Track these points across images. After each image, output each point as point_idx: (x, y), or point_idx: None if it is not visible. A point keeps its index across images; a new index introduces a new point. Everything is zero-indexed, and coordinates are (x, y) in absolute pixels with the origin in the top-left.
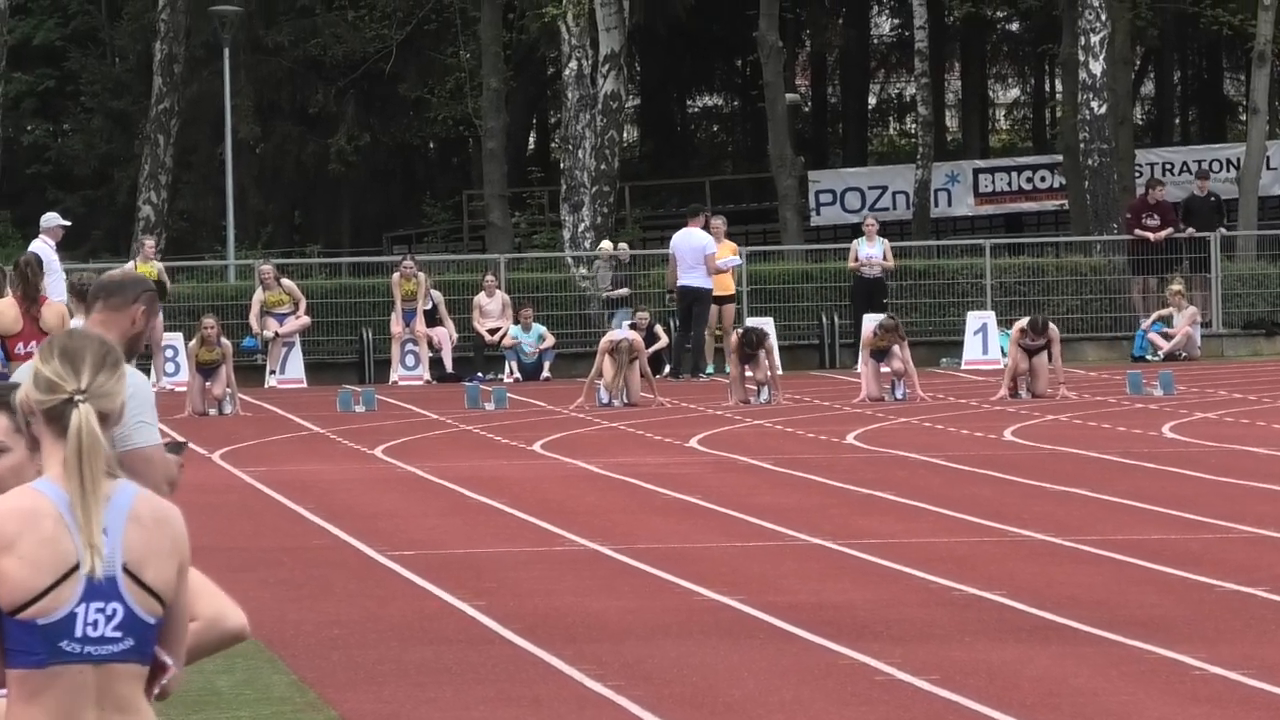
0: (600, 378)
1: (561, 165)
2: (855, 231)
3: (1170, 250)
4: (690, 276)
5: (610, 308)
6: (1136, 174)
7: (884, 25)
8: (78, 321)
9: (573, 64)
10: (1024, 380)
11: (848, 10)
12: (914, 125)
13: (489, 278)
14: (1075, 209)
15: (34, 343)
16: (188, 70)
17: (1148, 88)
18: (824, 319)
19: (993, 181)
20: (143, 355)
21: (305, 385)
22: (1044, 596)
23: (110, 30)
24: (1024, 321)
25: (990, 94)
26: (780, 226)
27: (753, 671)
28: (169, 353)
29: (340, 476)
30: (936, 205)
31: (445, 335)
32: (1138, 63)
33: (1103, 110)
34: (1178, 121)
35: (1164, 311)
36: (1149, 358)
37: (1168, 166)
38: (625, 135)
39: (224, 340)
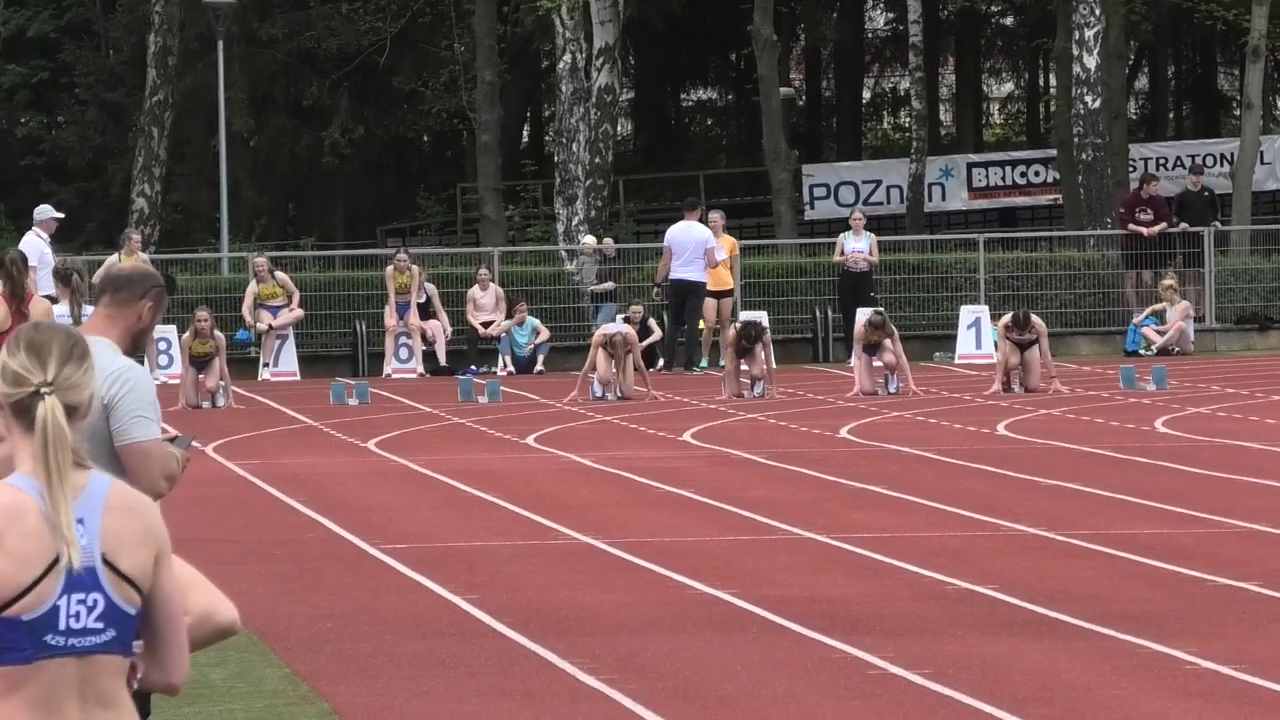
0: (594, 371)
1: (555, 158)
2: (849, 226)
3: (1163, 245)
4: (686, 270)
5: (595, 302)
6: (1130, 169)
7: (878, 19)
8: (62, 308)
9: (567, 57)
10: (1016, 375)
11: (842, 4)
12: (908, 119)
13: (482, 271)
14: (1069, 203)
15: None
16: (182, 63)
17: (1142, 82)
18: (817, 313)
19: (986, 176)
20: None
21: (298, 378)
22: (1036, 591)
23: (104, 22)
24: (1007, 316)
25: (984, 88)
26: (774, 220)
27: (746, 665)
28: (162, 345)
29: (333, 469)
30: (930, 199)
31: (439, 329)
32: (1132, 57)
33: (1097, 105)
34: (1171, 116)
35: (1157, 306)
36: (1142, 352)
37: (1161, 161)
38: (619, 129)
39: (217, 333)
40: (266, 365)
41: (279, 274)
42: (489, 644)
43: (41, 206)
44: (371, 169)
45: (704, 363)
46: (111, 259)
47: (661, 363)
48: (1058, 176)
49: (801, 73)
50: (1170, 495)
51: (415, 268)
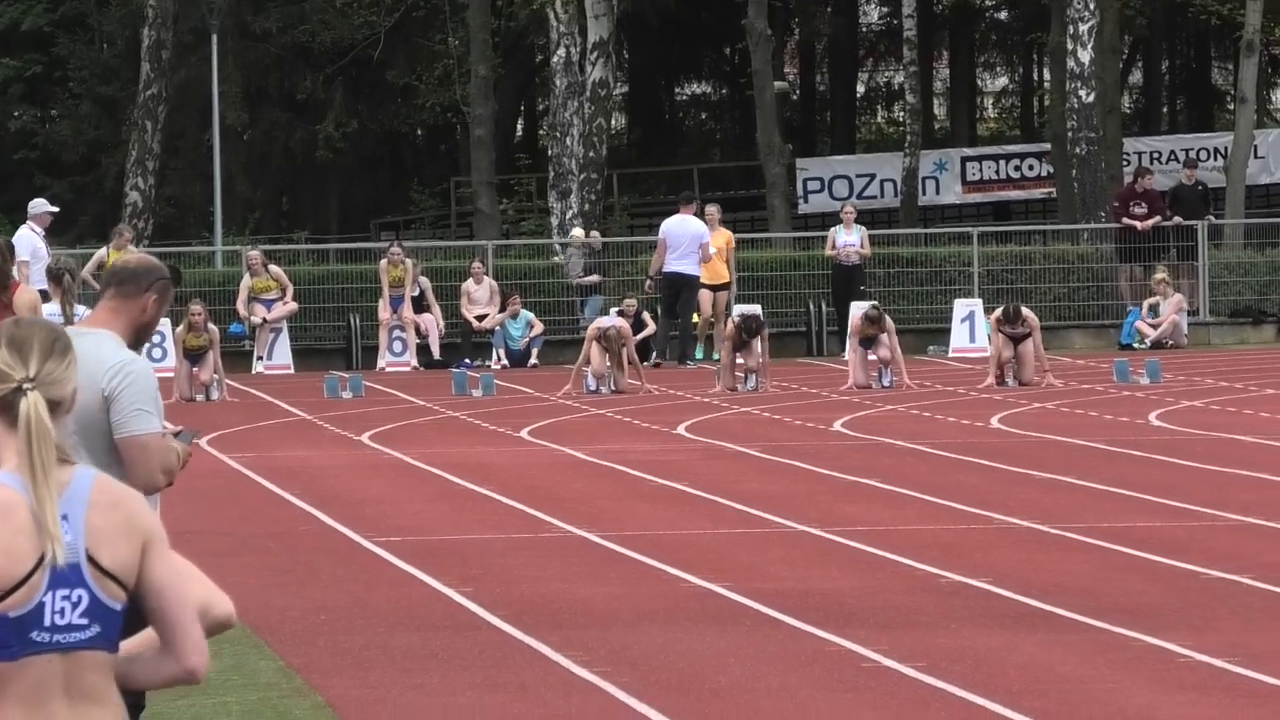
0: (588, 365)
1: (549, 152)
2: (841, 220)
3: (1157, 239)
4: (681, 264)
5: (582, 295)
6: (1124, 162)
7: (873, 13)
8: (52, 306)
9: (561, 51)
10: (1010, 368)
11: None
12: (902, 113)
13: (476, 264)
14: (1063, 197)
15: None
16: (176, 56)
17: (1136, 76)
18: (811, 306)
19: (980, 170)
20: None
21: (292, 371)
22: (1030, 584)
23: (98, 16)
24: (999, 310)
25: (978, 82)
26: (768, 214)
27: (739, 658)
28: (156, 338)
29: (327, 462)
30: (924, 193)
31: (433, 322)
32: (1126, 51)
33: (1091, 99)
34: (1165, 110)
35: (1151, 300)
36: (1136, 346)
37: (1155, 155)
38: (613, 123)
39: (211, 326)
40: (260, 358)
41: (273, 267)
42: (483, 637)
43: (35, 200)
44: (365, 163)
45: (698, 355)
46: (100, 253)
47: (655, 355)
48: (1052, 170)
49: (796, 67)
50: (1164, 488)
51: (409, 261)
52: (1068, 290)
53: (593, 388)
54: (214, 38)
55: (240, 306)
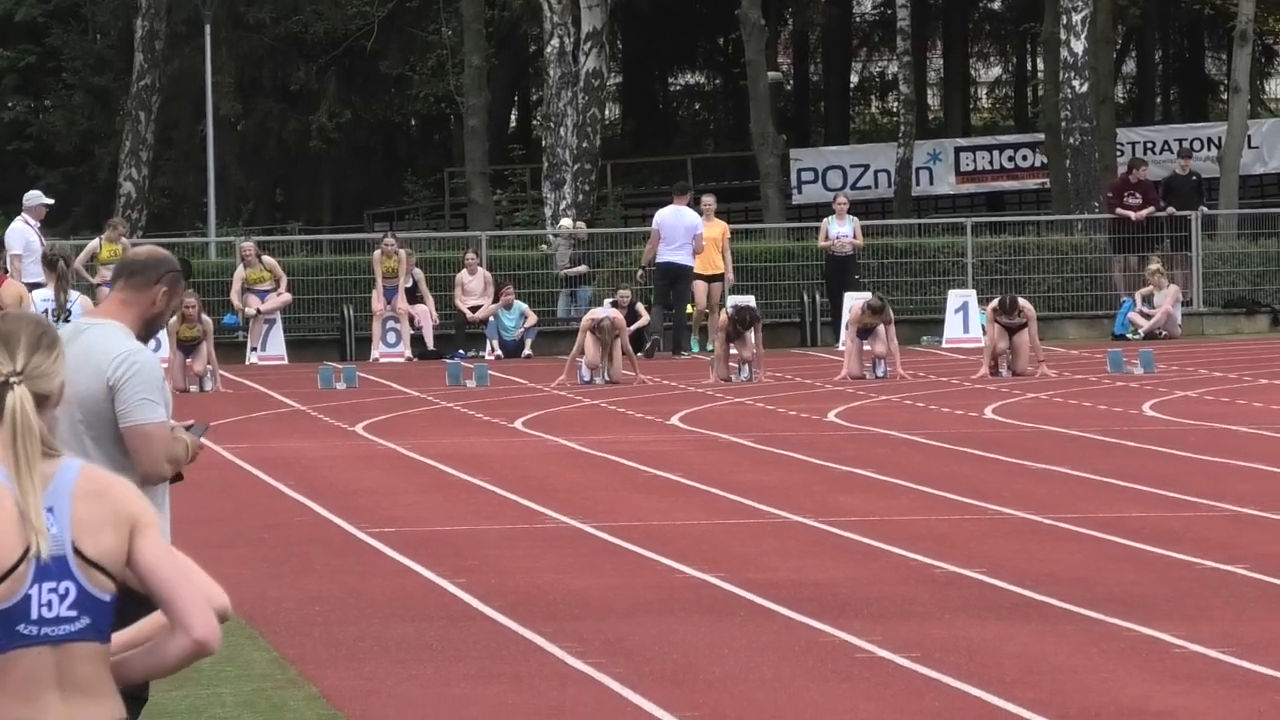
0: (582, 355)
1: (543, 143)
2: (834, 210)
3: (1151, 229)
4: (677, 254)
5: (569, 285)
6: (1118, 153)
7: (866, 3)
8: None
9: (554, 41)
10: (1004, 358)
11: None
12: (896, 103)
13: (470, 255)
14: (1056, 188)
15: None
16: (169, 47)
17: (1129, 66)
18: (805, 297)
19: (974, 160)
20: None
21: (286, 362)
22: (1024, 574)
23: (92, 6)
24: (996, 300)
25: (972, 72)
26: (762, 204)
27: (733, 649)
28: None
29: (321, 453)
30: (918, 184)
31: (426, 313)
32: (1119, 41)
33: (1084, 89)
34: (1159, 100)
35: (1146, 290)
36: (1130, 336)
37: (1149, 145)
38: (607, 113)
39: (205, 317)
40: (254, 349)
41: (266, 258)
42: (477, 627)
43: (31, 193)
44: (359, 153)
45: (694, 346)
46: (93, 244)
47: (648, 345)
48: (1045, 161)
49: (789, 57)
50: (1158, 479)
51: (403, 252)
52: (1061, 280)
53: (587, 378)
54: (207, 28)
55: (234, 297)
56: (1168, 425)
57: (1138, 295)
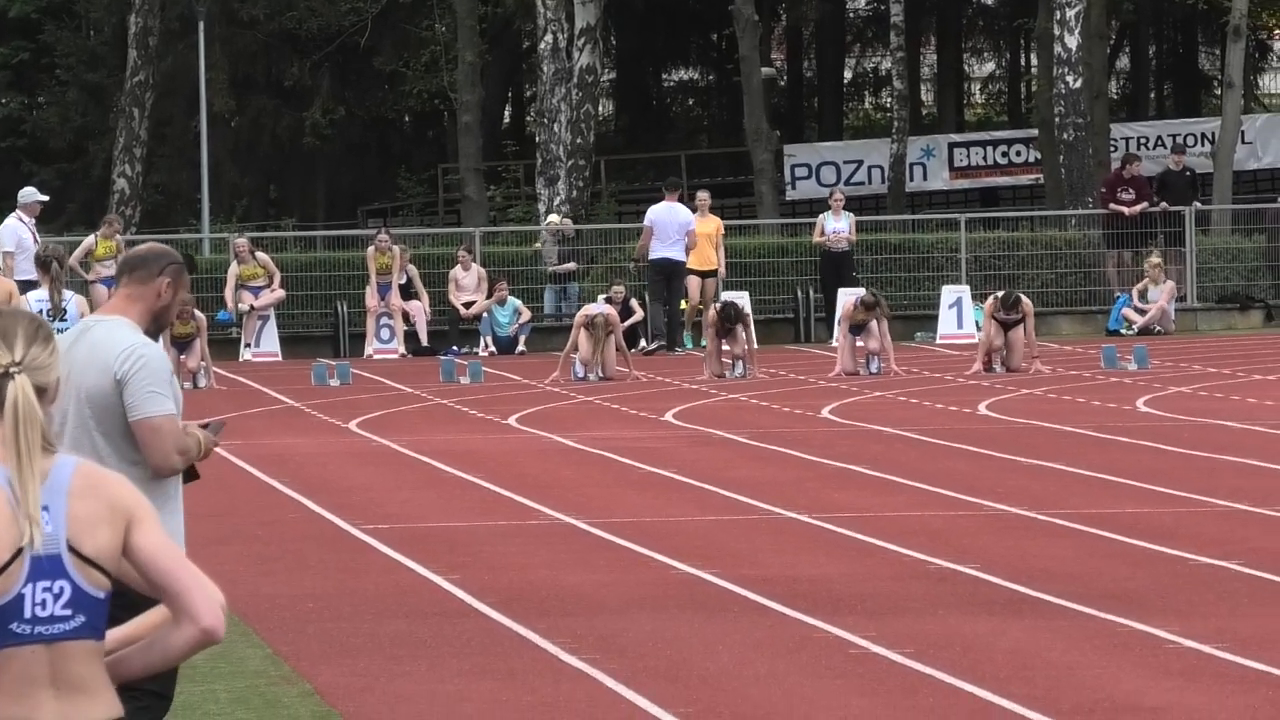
0: (575, 352)
1: (537, 139)
2: (829, 206)
3: (1145, 225)
4: (670, 250)
5: (556, 283)
6: (1111, 148)
7: None
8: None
9: (548, 37)
10: (998, 355)
11: None
12: (889, 99)
13: (462, 251)
14: (1050, 183)
15: None
16: (162, 43)
17: (1123, 62)
18: (799, 293)
19: (968, 156)
20: None
21: (280, 358)
22: (1018, 570)
23: (85, 3)
24: (996, 295)
25: (966, 68)
26: (756, 200)
27: (727, 645)
28: None
29: (315, 450)
30: (911, 179)
31: (420, 309)
32: (1113, 37)
33: (1078, 84)
34: (1153, 96)
35: (1141, 285)
36: (1123, 332)
37: (1143, 141)
38: (601, 109)
39: (198, 313)
40: (248, 346)
41: (260, 255)
42: (471, 624)
43: (25, 189)
44: (352, 149)
45: (687, 343)
46: (88, 241)
47: (643, 343)
48: (1039, 156)
49: (783, 53)
50: (1152, 474)
51: (397, 248)
52: (1055, 276)
53: (580, 375)
54: (200, 24)
55: (228, 294)
56: (1161, 421)
57: (1134, 290)
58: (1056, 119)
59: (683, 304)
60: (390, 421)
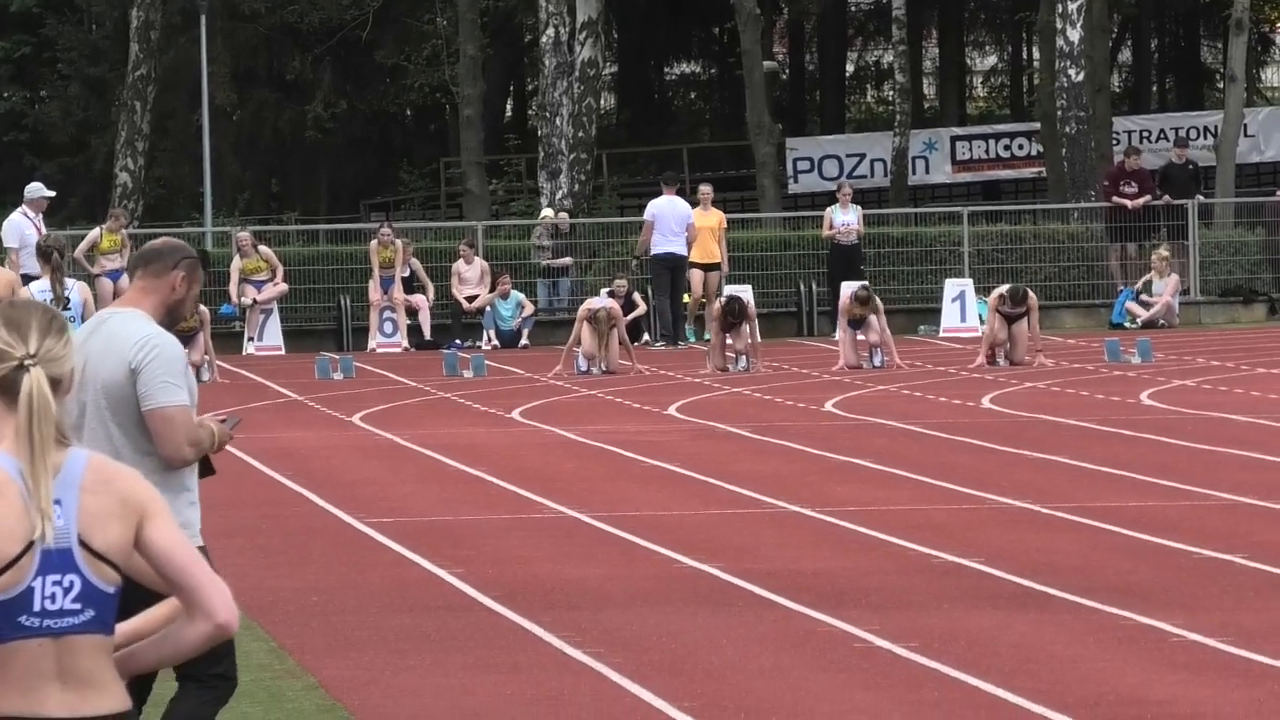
0: (578, 345)
1: (539, 133)
2: (833, 199)
3: (1148, 218)
4: (673, 244)
5: (550, 276)
6: (1114, 141)
7: None
8: (41, 283)
9: (550, 31)
10: (1002, 348)
11: None
12: (891, 92)
13: (464, 245)
14: (1053, 176)
15: None
16: (164, 37)
17: (1125, 55)
18: (802, 286)
19: (970, 149)
20: None
21: (283, 352)
22: (1022, 563)
23: None
24: (1003, 290)
25: (968, 61)
26: (758, 194)
27: (731, 639)
28: None
29: (318, 444)
30: (914, 173)
31: (424, 301)
32: (1115, 30)
33: (1080, 78)
34: (1155, 89)
35: (1146, 277)
36: (1127, 325)
37: (1145, 134)
38: (602, 103)
39: (201, 307)
40: (251, 340)
41: (262, 248)
42: (475, 618)
43: (32, 184)
44: (354, 143)
45: (690, 336)
46: (93, 234)
47: (646, 337)
48: (1041, 149)
49: (785, 46)
50: (1156, 468)
51: (399, 242)
52: (1058, 270)
53: (583, 368)
54: (202, 18)
55: (231, 288)
56: (1165, 414)
57: (1139, 284)
58: (1059, 112)
59: (685, 298)
60: (393, 415)
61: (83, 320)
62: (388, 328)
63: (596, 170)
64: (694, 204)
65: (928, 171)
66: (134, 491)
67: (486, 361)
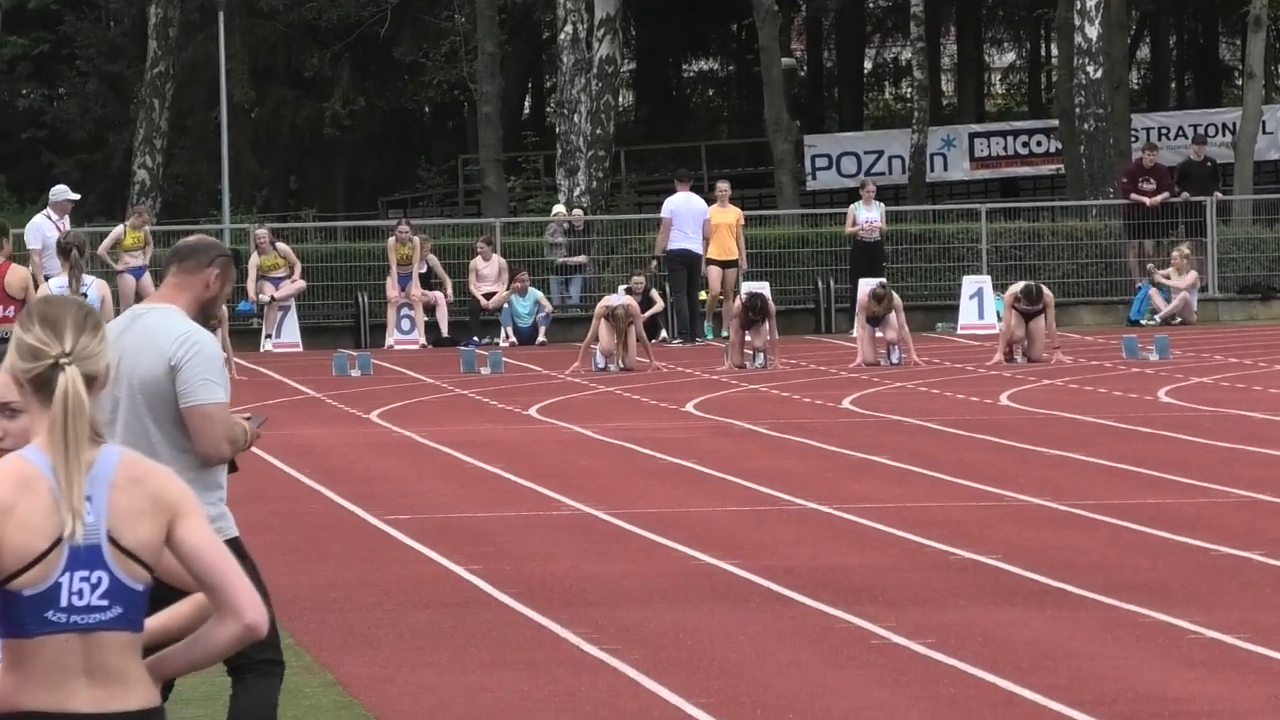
0: (596, 342)
1: (557, 130)
2: (851, 196)
3: (1166, 215)
4: (691, 241)
5: (564, 273)
6: (1132, 138)
7: None
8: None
9: (568, 28)
10: (1019, 345)
11: None
12: (909, 89)
13: (481, 243)
14: (1071, 173)
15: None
16: (182, 34)
17: (1143, 52)
18: (820, 284)
19: (988, 146)
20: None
21: (301, 349)
22: (1039, 560)
23: None
24: (1018, 288)
25: (986, 58)
26: (776, 191)
27: (749, 635)
28: None
29: (336, 440)
30: (932, 170)
31: (441, 298)
32: (1134, 27)
33: (1098, 74)
34: (1173, 86)
35: (1166, 271)
36: (1144, 322)
37: (1163, 131)
38: (621, 100)
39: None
40: (269, 337)
41: (280, 245)
42: (492, 614)
43: (57, 187)
44: (372, 140)
45: (708, 333)
46: (117, 231)
47: (664, 334)
48: (1060, 146)
49: (803, 43)
50: (1173, 465)
51: (417, 239)
52: (1076, 267)
53: (601, 365)
54: (220, 15)
55: (249, 285)
56: (1183, 411)
57: (1158, 274)
58: (1077, 109)
59: (702, 294)
60: (411, 412)
61: None
62: (405, 325)
63: (615, 167)
64: (711, 201)
65: (946, 168)
66: (166, 490)
67: (504, 358)
